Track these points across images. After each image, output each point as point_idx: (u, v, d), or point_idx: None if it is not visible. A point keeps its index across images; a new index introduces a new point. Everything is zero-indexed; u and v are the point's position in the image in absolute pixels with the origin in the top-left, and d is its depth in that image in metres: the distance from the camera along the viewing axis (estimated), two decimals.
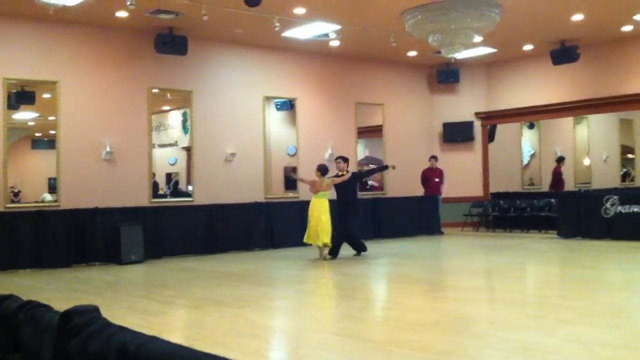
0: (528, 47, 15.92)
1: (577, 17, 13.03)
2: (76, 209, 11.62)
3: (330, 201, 11.67)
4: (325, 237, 11.40)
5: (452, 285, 9.04)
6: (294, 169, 13.49)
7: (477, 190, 17.69)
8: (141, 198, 12.71)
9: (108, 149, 12.38)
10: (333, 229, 11.51)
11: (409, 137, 17.24)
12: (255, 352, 5.12)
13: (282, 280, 10.09)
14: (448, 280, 9.61)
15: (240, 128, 14.21)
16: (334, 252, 11.53)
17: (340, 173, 11.84)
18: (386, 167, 12.92)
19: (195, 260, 11.83)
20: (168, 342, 1.74)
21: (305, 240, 11.62)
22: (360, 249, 11.82)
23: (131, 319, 6.16)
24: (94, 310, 2.00)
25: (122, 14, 11.65)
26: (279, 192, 14.97)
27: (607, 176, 19.23)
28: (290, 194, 14.93)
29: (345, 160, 12.04)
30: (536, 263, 11.30)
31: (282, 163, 15.39)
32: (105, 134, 12.41)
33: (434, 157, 16.58)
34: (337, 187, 11.72)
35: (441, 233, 16.07)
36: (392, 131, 16.92)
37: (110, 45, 12.61)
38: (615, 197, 13.50)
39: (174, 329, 6.45)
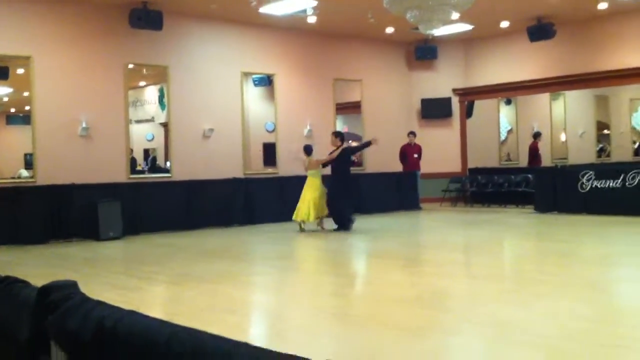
0: (505, 24, 15.93)
1: None
2: (53, 185, 11.52)
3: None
4: (305, 214, 11.66)
5: (430, 260, 9.12)
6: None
7: (455, 166, 17.79)
8: (119, 174, 12.61)
9: (84, 124, 12.24)
10: (328, 204, 11.79)
11: (387, 113, 17.25)
12: (234, 327, 5.14)
13: (261, 256, 10.11)
14: (426, 255, 9.69)
15: (218, 104, 14.12)
16: (344, 225, 11.76)
17: (334, 148, 12.08)
18: (369, 143, 12.73)
19: (173, 237, 11.80)
20: (146, 317, 1.74)
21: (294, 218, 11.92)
22: (342, 225, 11.88)
23: (110, 295, 6.14)
24: (72, 285, 2.00)
25: None
26: (257, 168, 14.94)
27: (583, 152, 19.44)
28: (269, 170, 14.92)
29: (337, 135, 12.29)
30: (513, 238, 11.43)
31: (260, 139, 15.35)
32: (81, 110, 12.26)
33: (412, 133, 16.63)
34: (332, 162, 12.02)
35: (420, 208, 16.17)
36: (371, 107, 16.92)
37: (84, 20, 12.41)
38: (591, 172, 13.65)
39: (152, 304, 6.45)
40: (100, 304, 1.89)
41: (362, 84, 16.81)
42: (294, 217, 11.90)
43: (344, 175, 12.07)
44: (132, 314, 1.77)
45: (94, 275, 7.93)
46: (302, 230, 11.84)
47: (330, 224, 12.03)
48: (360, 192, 14.69)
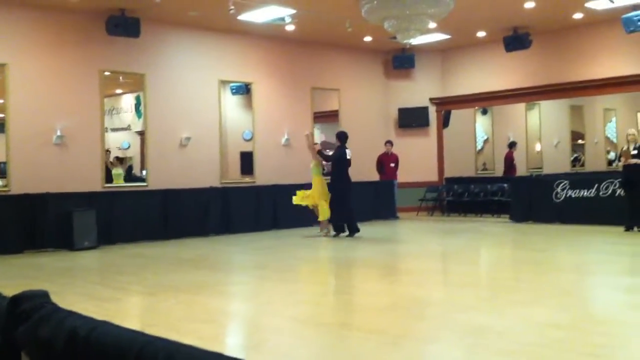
0: (481, 34, 16.08)
1: (529, 4, 13.20)
2: (27, 194, 11.35)
3: None
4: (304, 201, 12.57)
5: (407, 268, 9.14)
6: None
7: (432, 175, 17.87)
8: (94, 183, 12.49)
9: (59, 133, 12.11)
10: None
11: (364, 122, 17.29)
12: (211, 338, 5.10)
13: (238, 265, 10.06)
14: (403, 264, 9.70)
15: (196, 112, 14.05)
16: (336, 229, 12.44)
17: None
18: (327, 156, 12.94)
19: (149, 246, 11.71)
20: (119, 327, 1.71)
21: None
22: (336, 229, 12.48)
23: (85, 306, 6.06)
24: (44, 295, 1.96)
25: None
26: (235, 177, 14.88)
27: (557, 161, 19.62)
28: (247, 179, 14.87)
29: (336, 135, 12.80)
30: (489, 246, 11.49)
31: (237, 148, 15.31)
32: (56, 118, 12.14)
33: (389, 142, 16.68)
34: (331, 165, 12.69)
35: (397, 217, 16.21)
36: (348, 116, 16.95)
37: (60, 27, 12.31)
38: (565, 181, 13.79)
39: (128, 315, 6.38)
40: (72, 314, 1.86)
41: (340, 93, 16.84)
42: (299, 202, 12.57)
43: (335, 179, 12.44)
44: (105, 324, 1.74)
45: (68, 285, 7.83)
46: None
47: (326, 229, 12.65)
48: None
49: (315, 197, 12.41)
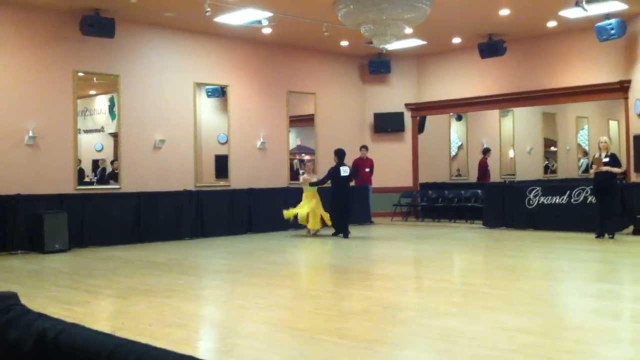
0: (457, 40, 16.20)
1: (504, 11, 13.34)
2: None
3: None
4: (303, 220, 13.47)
5: (381, 273, 9.15)
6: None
7: (406, 181, 17.94)
8: (66, 185, 12.34)
9: (31, 133, 11.95)
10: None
11: (340, 126, 17.31)
12: (183, 342, 5.05)
13: (211, 269, 10.00)
14: (377, 269, 9.71)
15: (170, 114, 13.96)
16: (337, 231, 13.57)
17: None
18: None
19: (122, 250, 11.59)
20: (89, 329, 1.69)
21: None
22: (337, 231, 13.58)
23: (55, 309, 5.98)
24: (12, 296, 1.92)
25: None
26: (209, 181, 14.81)
27: (530, 168, 19.84)
28: (221, 183, 14.80)
29: (335, 153, 13.68)
30: (462, 252, 11.55)
31: (212, 151, 15.24)
32: (28, 118, 11.98)
33: (364, 147, 16.71)
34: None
35: (371, 222, 16.24)
36: (324, 121, 16.96)
37: (33, 26, 12.15)
38: (538, 188, 13.93)
39: (98, 318, 6.30)
40: (41, 316, 1.83)
41: (316, 97, 16.85)
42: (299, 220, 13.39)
43: (333, 190, 13.49)
44: (75, 326, 1.72)
45: (38, 288, 7.72)
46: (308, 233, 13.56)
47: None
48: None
49: (305, 208, 13.36)
